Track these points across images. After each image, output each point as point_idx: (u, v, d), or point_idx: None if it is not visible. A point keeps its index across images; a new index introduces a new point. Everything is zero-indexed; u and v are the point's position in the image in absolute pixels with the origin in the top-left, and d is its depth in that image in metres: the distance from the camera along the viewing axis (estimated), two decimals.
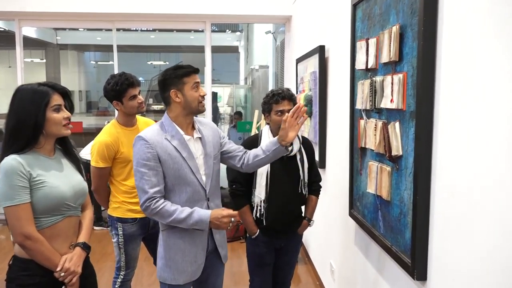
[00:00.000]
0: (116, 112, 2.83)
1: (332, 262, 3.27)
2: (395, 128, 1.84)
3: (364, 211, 2.32)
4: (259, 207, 2.55)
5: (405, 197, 1.78)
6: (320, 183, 2.75)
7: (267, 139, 2.55)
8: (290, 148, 2.52)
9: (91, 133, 5.80)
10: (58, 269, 1.79)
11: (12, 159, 1.73)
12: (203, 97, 2.10)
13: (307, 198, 2.69)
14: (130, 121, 2.75)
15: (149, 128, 2.10)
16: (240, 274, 4.00)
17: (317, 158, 3.55)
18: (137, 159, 2.02)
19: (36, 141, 1.81)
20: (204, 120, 2.28)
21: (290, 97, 2.51)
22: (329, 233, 3.37)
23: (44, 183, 1.78)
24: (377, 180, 2.05)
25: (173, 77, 2.06)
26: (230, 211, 2.02)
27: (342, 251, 2.98)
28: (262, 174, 2.53)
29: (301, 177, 2.58)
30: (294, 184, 2.58)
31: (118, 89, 2.63)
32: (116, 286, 2.80)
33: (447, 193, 1.52)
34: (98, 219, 5.54)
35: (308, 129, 3.90)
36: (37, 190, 1.76)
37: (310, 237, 4.25)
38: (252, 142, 2.60)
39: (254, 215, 2.58)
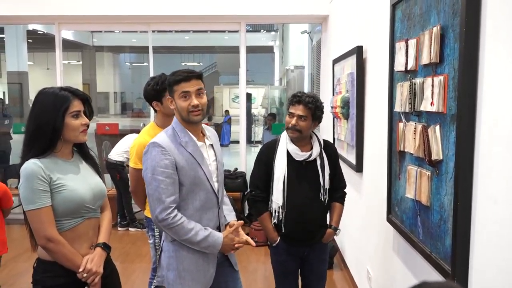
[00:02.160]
0: (152, 114, 2.94)
1: (369, 269, 3.26)
2: (435, 132, 1.83)
3: (403, 217, 2.31)
4: (277, 213, 2.53)
5: (446, 202, 1.77)
6: (345, 190, 2.73)
7: (284, 144, 2.54)
8: (309, 153, 2.53)
9: (126, 135, 5.97)
10: (80, 270, 1.87)
11: (32, 163, 1.80)
12: (194, 106, 2.02)
13: (331, 206, 2.66)
14: (169, 123, 2.83)
15: (161, 135, 2.09)
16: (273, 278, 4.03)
17: (353, 161, 3.55)
18: (153, 166, 1.98)
19: (54, 146, 1.88)
20: (208, 127, 2.30)
21: (306, 103, 2.45)
22: (366, 238, 3.36)
23: (64, 186, 1.85)
24: (416, 184, 2.05)
25: (167, 83, 2.09)
26: (240, 240, 2.14)
27: (379, 257, 2.97)
28: (279, 178, 2.51)
29: (321, 184, 2.54)
30: (314, 191, 2.54)
31: (159, 88, 2.73)
32: (152, 287, 2.90)
33: (489, 199, 1.51)
34: (132, 221, 5.71)
35: (344, 131, 3.90)
36: (57, 194, 1.84)
37: (346, 242, 4.24)
38: (269, 147, 2.61)
39: (272, 222, 2.57)
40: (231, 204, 2.38)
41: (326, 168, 2.57)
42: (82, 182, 1.93)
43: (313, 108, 2.47)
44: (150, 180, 1.99)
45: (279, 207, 2.52)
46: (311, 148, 2.56)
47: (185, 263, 2.07)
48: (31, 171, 1.79)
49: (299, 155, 2.52)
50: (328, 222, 2.69)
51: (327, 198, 2.60)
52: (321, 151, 2.57)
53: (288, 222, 2.53)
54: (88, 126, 1.94)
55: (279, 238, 2.57)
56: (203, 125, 2.23)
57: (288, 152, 2.53)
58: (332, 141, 4.60)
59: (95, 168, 2.08)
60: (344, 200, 2.72)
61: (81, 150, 2.05)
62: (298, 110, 2.47)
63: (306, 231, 2.55)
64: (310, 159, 2.53)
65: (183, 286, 2.08)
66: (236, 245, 2.13)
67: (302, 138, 2.53)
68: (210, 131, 2.26)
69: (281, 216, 2.53)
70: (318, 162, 2.55)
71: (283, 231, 2.55)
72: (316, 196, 2.54)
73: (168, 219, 1.97)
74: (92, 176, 2.02)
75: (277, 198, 2.52)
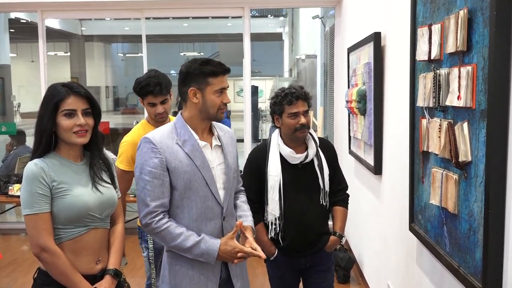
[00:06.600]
0: (145, 111, 2.93)
1: (390, 284, 3.23)
2: (462, 130, 1.80)
3: (427, 226, 2.28)
4: (273, 226, 2.50)
5: (475, 210, 1.73)
6: (347, 192, 2.71)
7: (276, 147, 2.51)
8: (304, 154, 2.50)
9: (118, 134, 5.97)
10: None
11: (33, 164, 1.84)
12: (225, 104, 2.06)
13: (333, 210, 2.65)
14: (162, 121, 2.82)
15: (159, 129, 2.08)
16: None
17: (372, 162, 3.52)
18: (141, 164, 1.98)
19: (55, 145, 1.92)
20: (223, 126, 2.25)
21: (305, 97, 2.47)
22: (386, 249, 3.33)
23: (67, 191, 1.86)
24: (442, 189, 2.01)
25: (197, 73, 2.00)
26: (244, 248, 1.99)
27: (401, 271, 2.94)
28: (274, 187, 2.48)
29: (321, 187, 2.53)
30: (313, 196, 2.53)
31: (138, 91, 2.74)
32: None
33: None
34: None
35: (361, 128, 3.86)
36: (59, 199, 1.85)
37: (365, 253, 4.21)
38: (259, 153, 2.57)
39: (269, 235, 2.54)
40: (248, 210, 2.29)
41: (325, 168, 2.55)
42: (88, 188, 1.93)
43: (309, 99, 2.51)
44: (137, 179, 2.01)
45: (275, 218, 2.50)
46: (306, 149, 2.54)
47: (177, 278, 2.05)
48: (31, 173, 1.83)
49: (295, 158, 2.50)
50: (331, 229, 2.66)
51: (328, 203, 2.59)
52: (317, 150, 2.56)
53: (287, 234, 2.51)
54: (89, 127, 1.92)
55: (276, 250, 2.55)
56: (218, 124, 2.21)
57: (281, 156, 2.51)
58: (348, 139, 4.57)
59: (109, 173, 2.06)
60: (348, 204, 2.70)
61: (95, 152, 2.02)
62: (301, 106, 2.47)
63: (307, 241, 2.54)
64: (307, 160, 2.51)
65: None
66: (239, 255, 2.00)
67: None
68: (223, 131, 2.21)
69: (278, 228, 2.50)
70: (316, 162, 2.53)
71: (281, 244, 2.53)
72: (316, 201, 2.53)
73: (152, 224, 1.96)
74: (102, 182, 2.00)
75: (273, 208, 2.49)
